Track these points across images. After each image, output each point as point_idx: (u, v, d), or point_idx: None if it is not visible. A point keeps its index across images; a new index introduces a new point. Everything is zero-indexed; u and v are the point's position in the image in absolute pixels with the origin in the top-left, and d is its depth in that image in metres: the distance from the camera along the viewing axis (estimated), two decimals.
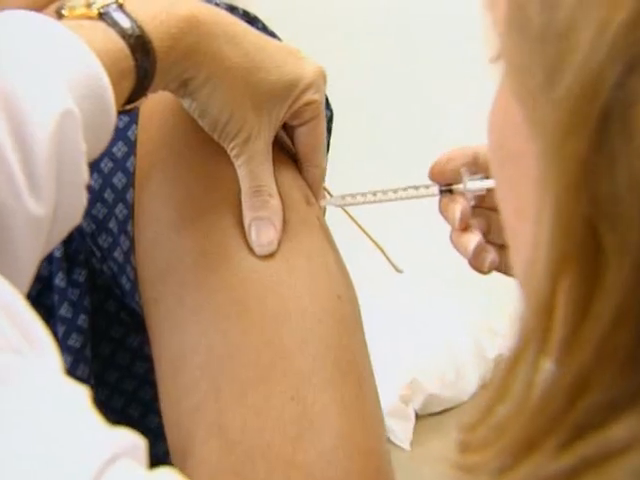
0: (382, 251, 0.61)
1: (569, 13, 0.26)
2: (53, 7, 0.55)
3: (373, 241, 0.61)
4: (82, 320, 0.59)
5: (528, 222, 0.30)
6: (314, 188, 0.57)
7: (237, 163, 0.54)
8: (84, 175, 0.44)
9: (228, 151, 0.53)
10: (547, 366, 0.28)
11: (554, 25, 0.27)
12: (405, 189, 0.58)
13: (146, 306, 0.56)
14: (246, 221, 0.54)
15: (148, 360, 0.63)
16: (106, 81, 0.44)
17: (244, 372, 0.50)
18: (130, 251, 0.57)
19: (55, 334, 0.58)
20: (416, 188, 0.57)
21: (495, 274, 0.57)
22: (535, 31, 0.28)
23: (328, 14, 2.01)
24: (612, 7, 0.25)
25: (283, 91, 0.53)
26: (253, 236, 0.53)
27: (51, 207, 0.42)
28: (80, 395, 0.33)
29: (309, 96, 0.54)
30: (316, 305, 0.52)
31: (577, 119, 0.26)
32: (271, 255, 0.53)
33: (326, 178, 0.60)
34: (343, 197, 0.59)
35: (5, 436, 0.29)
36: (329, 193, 0.60)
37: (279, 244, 0.53)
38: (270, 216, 0.53)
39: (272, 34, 0.65)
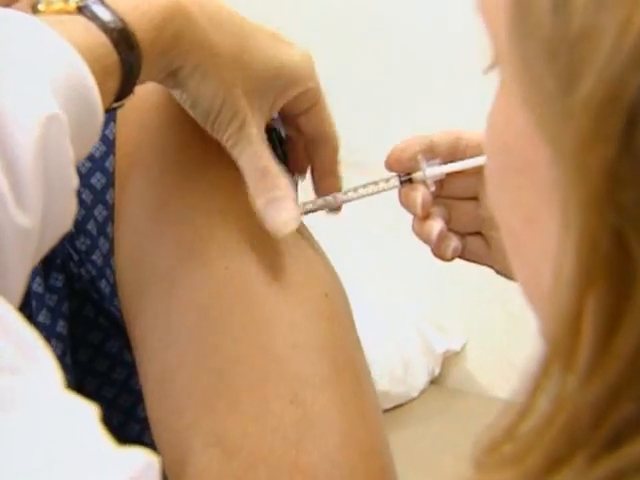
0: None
1: (585, 16, 0.25)
2: (26, 1, 0.53)
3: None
4: (61, 327, 0.57)
5: (539, 232, 0.30)
6: (328, 176, 0.57)
7: (235, 152, 0.51)
8: (73, 181, 0.42)
9: (223, 142, 0.51)
10: (573, 381, 0.27)
11: (568, 29, 0.26)
12: (365, 186, 0.56)
13: (127, 322, 0.55)
14: (259, 206, 0.51)
15: (128, 366, 0.61)
16: (91, 80, 0.42)
17: (238, 381, 0.48)
18: (110, 254, 0.56)
19: None
20: (376, 183, 0.56)
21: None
22: (546, 36, 0.27)
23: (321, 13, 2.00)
24: (633, 6, 0.24)
25: (273, 75, 0.52)
26: (272, 218, 0.50)
27: (39, 217, 0.41)
28: (88, 414, 0.31)
29: (303, 84, 0.53)
30: (305, 306, 0.51)
31: (600, 126, 0.25)
32: (253, 261, 0.51)
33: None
34: (303, 204, 0.57)
35: (13, 466, 0.28)
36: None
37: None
38: (286, 194, 0.51)
39: None
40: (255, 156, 0.51)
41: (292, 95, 0.53)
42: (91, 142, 0.45)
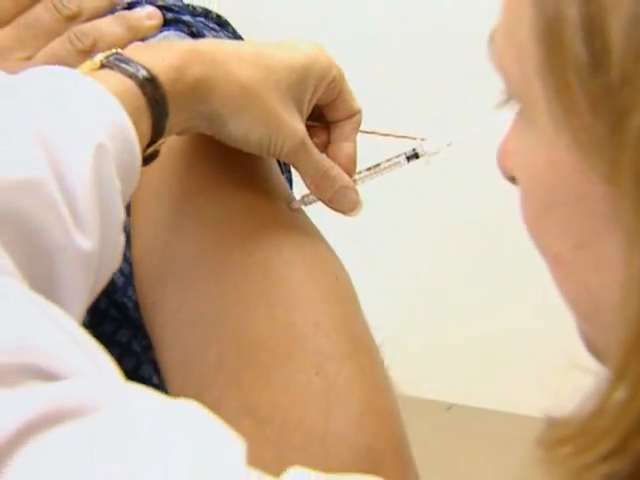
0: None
1: (624, 66, 0.29)
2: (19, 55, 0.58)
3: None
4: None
5: (592, 255, 0.34)
6: (348, 163, 0.59)
7: (294, 162, 0.56)
8: (121, 212, 0.45)
9: (281, 160, 0.57)
10: None
11: (609, 80, 0.30)
12: (374, 166, 0.60)
13: (144, 310, 0.57)
14: (327, 200, 0.57)
15: (136, 355, 0.64)
16: (128, 121, 0.45)
17: (265, 357, 0.52)
18: (125, 246, 0.58)
19: None
20: (388, 160, 0.60)
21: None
22: (588, 89, 0.31)
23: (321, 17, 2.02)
24: None
25: (302, 79, 0.55)
26: (342, 205, 0.58)
27: (97, 242, 0.43)
28: (191, 408, 0.34)
29: (329, 74, 0.56)
30: (319, 289, 0.55)
31: None
32: (273, 248, 0.55)
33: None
34: (302, 197, 0.60)
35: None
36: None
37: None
38: (346, 184, 0.57)
39: (240, 38, 0.68)
40: (315, 163, 0.56)
41: (323, 88, 0.57)
42: (133, 182, 0.47)
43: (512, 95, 0.38)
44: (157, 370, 0.65)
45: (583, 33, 0.30)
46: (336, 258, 0.59)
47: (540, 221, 0.37)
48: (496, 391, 2.08)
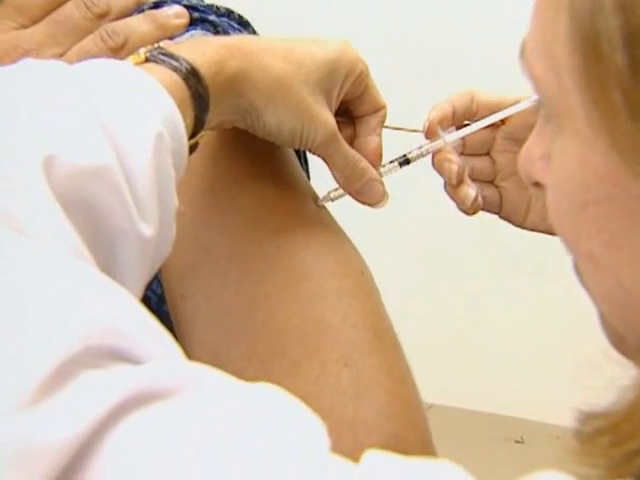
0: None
1: None
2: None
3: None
4: None
5: (624, 251, 0.36)
6: (374, 157, 0.61)
7: (324, 155, 0.57)
8: (174, 199, 0.46)
9: (312, 152, 0.58)
10: None
11: None
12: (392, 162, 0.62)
13: (172, 302, 0.58)
14: (354, 191, 0.59)
15: None
16: (178, 113, 0.46)
17: (295, 348, 0.53)
18: None
19: None
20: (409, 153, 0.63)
21: None
22: (627, 97, 0.33)
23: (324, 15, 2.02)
24: None
25: (331, 72, 0.56)
26: (370, 197, 0.60)
27: (156, 228, 0.44)
28: (272, 391, 0.35)
29: (356, 68, 0.58)
30: (347, 283, 0.56)
31: None
32: (301, 242, 0.57)
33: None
34: (329, 192, 0.63)
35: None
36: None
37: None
38: (373, 176, 0.59)
39: None
40: (345, 155, 0.58)
41: (350, 83, 0.58)
42: (180, 170, 0.48)
43: (545, 102, 0.39)
44: None
45: (622, 43, 0.32)
46: (359, 254, 0.61)
47: (573, 220, 0.39)
48: (476, 391, 2.11)
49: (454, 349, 2.13)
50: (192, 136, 0.50)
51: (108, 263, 0.42)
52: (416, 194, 1.86)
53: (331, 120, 0.56)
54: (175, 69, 0.49)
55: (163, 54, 0.49)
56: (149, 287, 0.63)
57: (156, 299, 0.63)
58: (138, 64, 0.49)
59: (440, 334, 2.12)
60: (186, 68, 0.49)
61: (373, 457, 0.33)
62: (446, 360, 2.13)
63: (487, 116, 0.62)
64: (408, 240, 2.08)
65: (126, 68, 0.46)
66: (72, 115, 0.41)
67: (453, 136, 0.62)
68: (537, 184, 0.44)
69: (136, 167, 0.42)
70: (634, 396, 0.36)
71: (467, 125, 0.63)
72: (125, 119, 0.43)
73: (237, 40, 0.54)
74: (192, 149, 0.52)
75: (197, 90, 0.49)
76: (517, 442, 2.01)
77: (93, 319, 0.32)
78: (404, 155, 0.62)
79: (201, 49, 0.51)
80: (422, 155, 0.63)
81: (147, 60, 0.49)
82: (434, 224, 1.98)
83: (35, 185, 0.37)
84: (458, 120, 0.63)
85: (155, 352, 0.34)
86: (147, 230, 0.43)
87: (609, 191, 0.36)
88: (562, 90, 0.36)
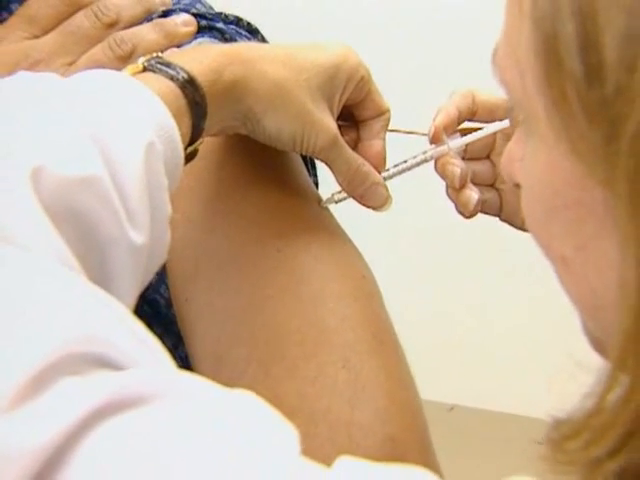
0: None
1: (617, 79, 0.32)
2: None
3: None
4: None
5: (592, 255, 0.36)
6: (377, 161, 0.61)
7: (327, 160, 0.58)
8: (168, 207, 0.47)
9: (314, 157, 0.58)
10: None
11: (604, 91, 0.32)
12: (401, 163, 0.63)
13: (178, 306, 0.60)
14: (358, 195, 0.60)
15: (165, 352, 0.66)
16: (172, 121, 0.47)
17: (293, 350, 0.54)
18: None
19: None
20: (414, 157, 0.63)
21: None
22: (583, 100, 0.33)
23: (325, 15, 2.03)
24: None
25: (333, 77, 0.57)
26: (373, 201, 0.60)
27: (148, 236, 0.44)
28: (248, 398, 0.36)
29: (357, 73, 0.58)
30: (348, 286, 0.57)
31: None
32: (302, 245, 0.57)
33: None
34: (332, 195, 0.64)
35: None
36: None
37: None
38: (376, 180, 0.60)
39: None
40: (347, 159, 0.58)
41: (352, 88, 0.58)
42: (175, 180, 0.49)
43: (515, 106, 0.40)
44: (184, 367, 0.67)
45: (579, 49, 0.33)
46: (362, 257, 0.62)
47: (544, 224, 0.39)
48: (499, 392, 2.10)
49: (475, 350, 2.12)
50: (191, 143, 0.51)
51: (100, 271, 0.43)
52: (418, 197, 1.86)
53: (332, 125, 0.57)
54: (172, 78, 0.49)
55: (160, 63, 0.50)
56: (157, 291, 0.64)
57: (164, 302, 0.64)
58: (136, 73, 0.50)
59: (461, 334, 2.12)
60: (183, 77, 0.49)
61: (344, 462, 0.34)
62: (467, 362, 2.12)
63: (487, 116, 0.63)
64: (410, 243, 2.08)
65: (121, 78, 0.47)
66: (61, 126, 0.42)
67: (458, 142, 0.63)
68: (518, 185, 0.44)
69: (126, 176, 0.43)
70: (593, 403, 0.36)
71: (467, 125, 0.64)
72: (116, 129, 0.44)
73: (237, 47, 0.55)
74: (192, 156, 0.53)
75: (194, 98, 0.50)
76: (539, 443, 2.00)
77: (76, 326, 0.33)
78: (407, 160, 0.63)
79: (199, 57, 0.52)
80: (426, 160, 0.63)
81: (145, 69, 0.50)
82: (436, 227, 1.97)
83: (23, 196, 0.38)
84: (459, 121, 0.64)
85: (141, 360, 0.34)
86: (138, 238, 0.43)
87: (577, 196, 0.36)
88: (527, 94, 0.37)
